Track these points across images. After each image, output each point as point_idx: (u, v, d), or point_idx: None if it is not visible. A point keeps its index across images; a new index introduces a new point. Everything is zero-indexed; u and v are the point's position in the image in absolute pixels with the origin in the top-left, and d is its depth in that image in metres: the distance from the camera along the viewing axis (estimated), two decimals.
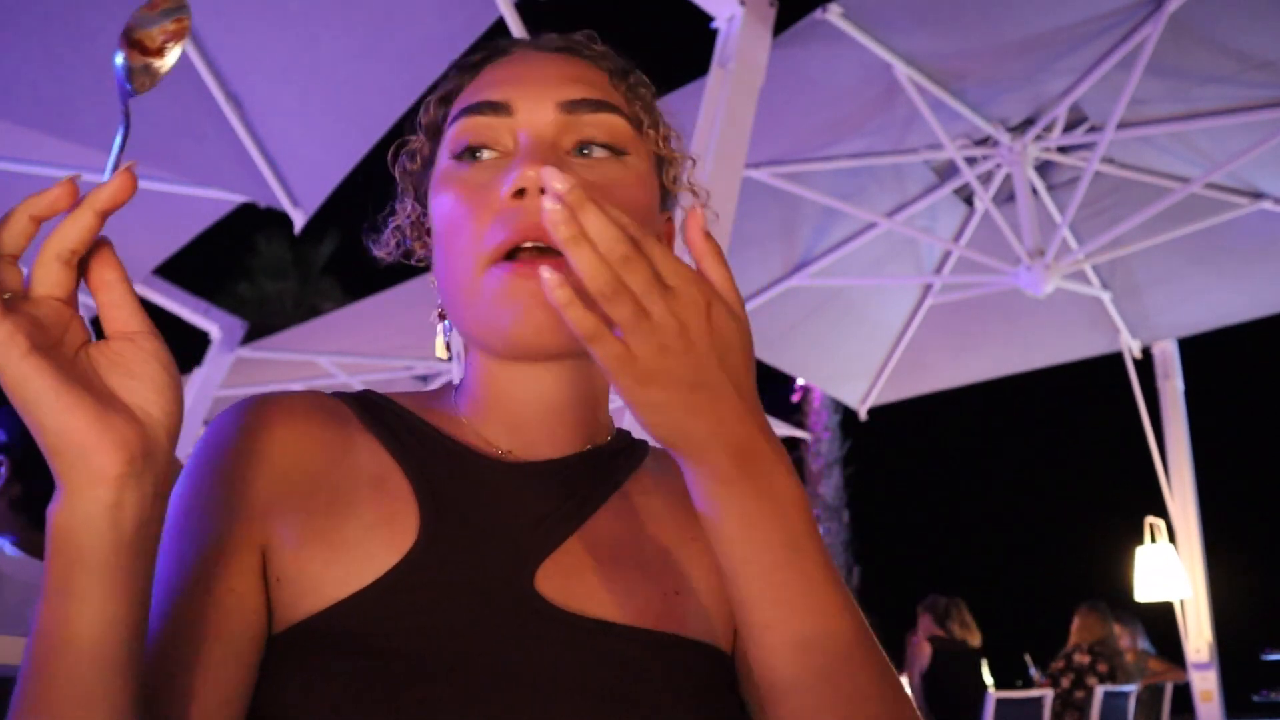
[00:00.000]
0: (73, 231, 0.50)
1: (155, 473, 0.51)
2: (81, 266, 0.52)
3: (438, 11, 2.80)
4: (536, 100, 0.67)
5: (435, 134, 0.72)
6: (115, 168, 0.52)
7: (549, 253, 0.63)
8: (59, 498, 0.49)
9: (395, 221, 0.76)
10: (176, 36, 0.55)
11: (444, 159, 0.69)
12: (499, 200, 0.64)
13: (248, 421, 0.66)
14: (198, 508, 0.62)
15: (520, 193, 0.63)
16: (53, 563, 0.50)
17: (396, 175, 0.76)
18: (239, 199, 3.55)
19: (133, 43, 0.54)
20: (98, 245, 0.53)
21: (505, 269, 0.63)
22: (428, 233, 0.74)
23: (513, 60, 0.71)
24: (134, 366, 0.52)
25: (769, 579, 0.56)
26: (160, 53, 0.55)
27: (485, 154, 0.67)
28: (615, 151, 0.68)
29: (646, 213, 0.68)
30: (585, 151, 0.67)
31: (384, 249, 0.76)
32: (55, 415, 0.48)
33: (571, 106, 0.67)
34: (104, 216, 0.51)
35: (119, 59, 0.54)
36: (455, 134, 0.68)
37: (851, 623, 0.57)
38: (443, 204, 0.68)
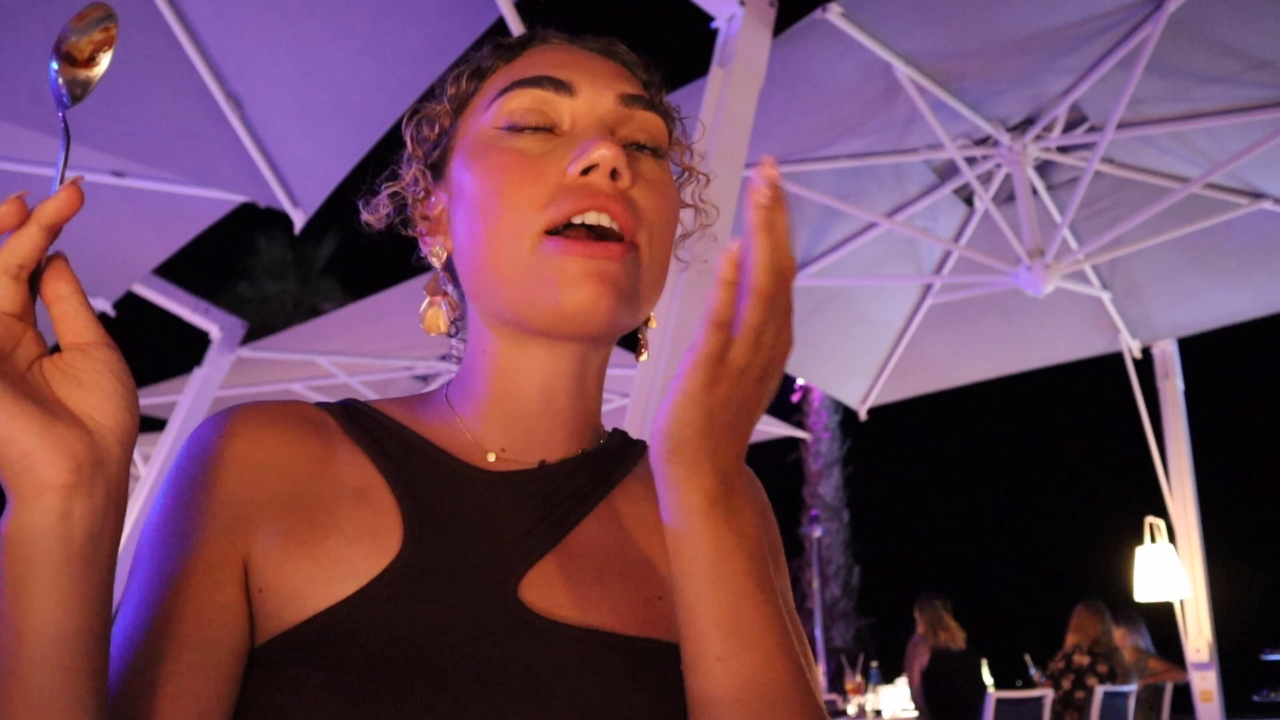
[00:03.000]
0: (20, 247, 0.50)
1: (107, 482, 0.50)
2: (36, 281, 0.52)
3: (438, 11, 2.80)
4: (599, 87, 0.68)
5: (461, 107, 0.72)
6: (60, 180, 0.52)
7: (606, 236, 0.64)
8: (8, 508, 0.49)
9: (392, 188, 0.74)
10: (105, 45, 0.55)
11: (486, 125, 0.68)
12: (560, 173, 0.64)
13: (227, 431, 0.65)
14: (178, 519, 0.62)
15: (586, 171, 0.64)
16: (5, 573, 0.49)
17: (408, 140, 0.74)
18: (239, 199, 3.55)
19: (63, 55, 0.54)
20: (51, 259, 0.52)
21: (563, 246, 0.63)
22: (430, 203, 0.73)
23: (560, 49, 0.72)
24: (84, 377, 0.51)
25: (730, 609, 0.57)
26: (90, 63, 0.55)
27: (543, 128, 0.67)
28: (659, 152, 0.70)
29: (677, 215, 0.70)
30: (634, 147, 0.69)
31: (374, 214, 0.75)
32: None
33: (630, 100, 0.69)
34: (52, 231, 0.50)
35: (53, 71, 0.54)
36: (509, 102, 0.67)
37: (795, 664, 0.58)
38: (485, 169, 0.66)
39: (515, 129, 0.67)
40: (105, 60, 0.55)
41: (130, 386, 0.53)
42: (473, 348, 0.71)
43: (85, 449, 0.49)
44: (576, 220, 0.63)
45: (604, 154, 0.63)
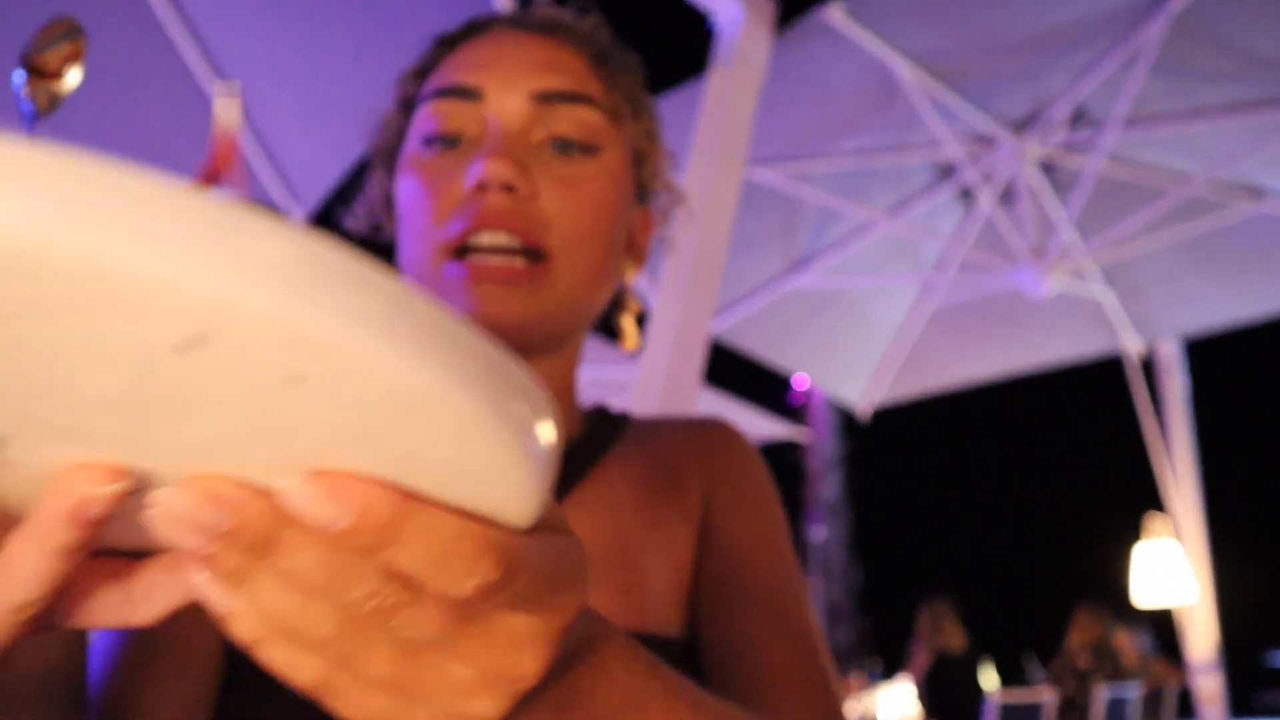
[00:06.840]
0: None
1: None
2: None
3: (438, 11, 2.79)
4: (509, 87, 0.64)
5: (409, 109, 0.70)
6: None
7: (504, 251, 0.61)
8: None
9: (368, 193, 0.74)
10: (73, 58, 0.55)
11: (412, 141, 0.67)
12: (461, 190, 0.62)
13: None
14: None
15: (482, 186, 0.61)
16: None
17: (370, 146, 0.74)
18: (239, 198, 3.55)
19: (31, 68, 0.54)
20: None
21: (462, 270, 0.61)
22: (392, 210, 0.72)
23: (491, 39, 0.68)
24: None
25: None
26: (59, 75, 0.55)
27: (452, 140, 0.65)
28: (588, 147, 0.65)
29: (614, 210, 0.66)
30: (556, 146, 0.65)
31: (355, 219, 0.75)
32: None
33: (545, 97, 0.64)
34: None
35: (17, 83, 0.54)
36: (424, 117, 0.66)
37: None
38: (406, 188, 0.65)
39: (428, 142, 0.65)
40: (74, 74, 0.55)
41: None
42: None
43: None
44: (472, 242, 0.61)
45: (491, 170, 0.60)
